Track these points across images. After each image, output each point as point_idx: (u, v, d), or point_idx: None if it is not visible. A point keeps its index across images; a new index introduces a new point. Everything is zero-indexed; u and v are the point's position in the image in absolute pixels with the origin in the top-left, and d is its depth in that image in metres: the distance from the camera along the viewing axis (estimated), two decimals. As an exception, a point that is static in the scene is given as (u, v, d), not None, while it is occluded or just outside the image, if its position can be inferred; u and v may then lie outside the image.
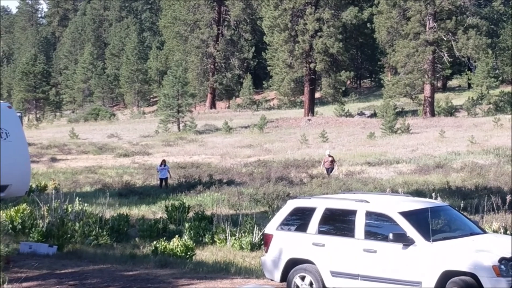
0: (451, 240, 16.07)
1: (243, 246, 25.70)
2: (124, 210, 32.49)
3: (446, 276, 15.32)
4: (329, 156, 48.49)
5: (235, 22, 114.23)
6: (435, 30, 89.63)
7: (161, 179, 44.85)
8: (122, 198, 39.64)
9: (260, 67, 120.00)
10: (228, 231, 26.85)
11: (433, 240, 15.81)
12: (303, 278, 16.87)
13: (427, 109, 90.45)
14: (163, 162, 46.22)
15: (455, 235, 16.44)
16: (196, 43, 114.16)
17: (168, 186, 44.31)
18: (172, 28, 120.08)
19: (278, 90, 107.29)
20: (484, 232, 17.51)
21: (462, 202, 30.68)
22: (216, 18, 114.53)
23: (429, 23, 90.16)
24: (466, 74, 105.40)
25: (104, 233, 26.83)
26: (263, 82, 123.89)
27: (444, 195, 32.91)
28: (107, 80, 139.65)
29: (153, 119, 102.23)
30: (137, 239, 27.50)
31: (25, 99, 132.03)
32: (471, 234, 16.58)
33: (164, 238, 25.56)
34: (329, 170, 47.36)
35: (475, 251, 15.44)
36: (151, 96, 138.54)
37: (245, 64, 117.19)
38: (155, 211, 34.72)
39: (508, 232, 23.29)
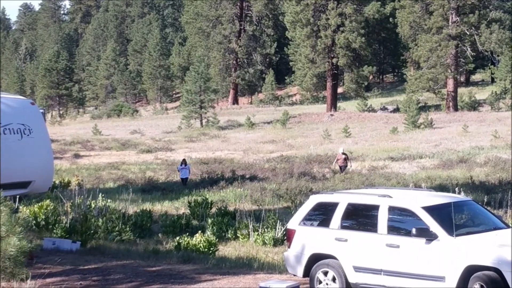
0: (475, 235, 16.05)
1: (266, 242, 25.71)
2: (147, 206, 32.63)
3: (470, 271, 15.31)
4: (343, 154, 48.29)
5: (257, 18, 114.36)
6: (458, 24, 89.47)
7: (182, 179, 44.79)
8: (145, 194, 39.74)
9: (283, 62, 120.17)
10: (251, 226, 26.85)
11: (457, 235, 15.80)
12: (326, 273, 16.90)
13: (450, 103, 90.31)
14: (184, 162, 46.17)
15: (479, 230, 16.42)
16: (218, 38, 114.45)
17: (186, 184, 44.09)
18: (194, 24, 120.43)
19: (300, 85, 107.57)
20: (508, 226, 17.44)
21: (486, 196, 30.66)
22: (238, 14, 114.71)
23: (452, 17, 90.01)
24: (489, 68, 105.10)
25: (127, 229, 26.94)
26: (286, 77, 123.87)
27: (467, 189, 32.83)
28: (129, 76, 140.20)
29: (176, 115, 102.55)
30: (160, 234, 27.55)
31: (48, 95, 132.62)
32: (495, 229, 16.55)
33: (187, 233, 25.61)
34: (343, 167, 47.12)
35: (499, 246, 15.41)
36: (174, 92, 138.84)
37: (267, 60, 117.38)
38: (178, 207, 34.77)
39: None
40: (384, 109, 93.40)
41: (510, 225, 18.84)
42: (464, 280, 15.36)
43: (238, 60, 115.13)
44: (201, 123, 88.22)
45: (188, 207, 32.00)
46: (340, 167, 47.06)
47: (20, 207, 24.60)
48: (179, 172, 45.55)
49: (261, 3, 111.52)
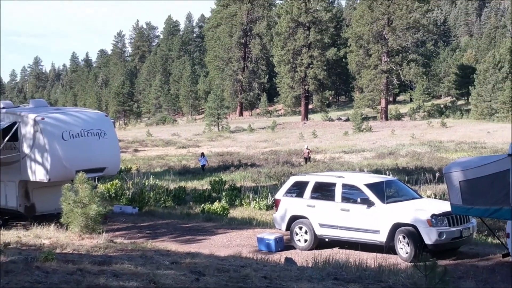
0: (399, 203, 16.13)
1: (261, 207, 25.71)
2: (182, 183, 32.60)
3: (396, 226, 15.40)
4: (307, 149, 48.09)
5: (255, 58, 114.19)
6: (388, 63, 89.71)
7: (201, 166, 44.52)
8: (181, 175, 39.70)
9: (272, 88, 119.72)
10: (251, 197, 26.87)
11: (387, 203, 15.87)
12: (300, 228, 16.98)
13: (383, 115, 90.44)
14: (202, 154, 46.08)
15: (402, 199, 16.49)
16: (229, 72, 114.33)
17: (204, 170, 43.76)
18: (213, 62, 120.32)
19: (284, 103, 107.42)
20: (421, 197, 17.55)
21: (406, 177, 30.73)
22: (243, 56, 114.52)
23: (384, 58, 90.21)
24: (409, 92, 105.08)
25: (169, 199, 26.95)
26: (274, 98, 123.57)
27: (394, 172, 32.85)
28: (171, 98, 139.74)
29: (201, 123, 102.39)
30: (191, 203, 27.55)
31: (117, 110, 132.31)
32: (413, 199, 16.64)
33: (209, 202, 25.65)
34: (307, 159, 46.81)
35: (415, 210, 15.49)
36: (200, 108, 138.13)
37: (262, 86, 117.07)
38: (203, 184, 34.75)
39: (437, 197, 23.19)
40: (339, 119, 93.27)
41: (423, 196, 18.89)
42: (392, 233, 15.45)
43: (243, 86, 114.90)
44: (218, 128, 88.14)
45: (209, 184, 32.01)
46: (305, 158, 46.79)
47: (98, 184, 24.63)
48: (199, 162, 45.39)
49: (258, 49, 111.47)
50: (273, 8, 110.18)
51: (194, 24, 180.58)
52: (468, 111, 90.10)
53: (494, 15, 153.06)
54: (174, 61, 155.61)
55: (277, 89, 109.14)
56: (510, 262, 13.74)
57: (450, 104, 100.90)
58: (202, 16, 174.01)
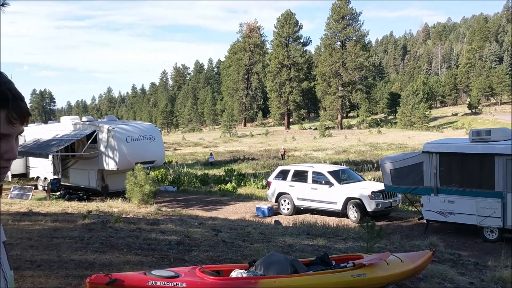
0: (350, 184, 16.12)
1: (258, 187, 25.68)
2: (205, 171, 32.56)
3: (348, 199, 15.37)
4: (283, 149, 47.61)
5: (254, 88, 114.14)
6: (342, 91, 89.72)
7: (210, 162, 43.50)
8: (205, 166, 39.59)
9: (266, 107, 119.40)
10: (252, 180, 26.83)
11: (342, 183, 15.85)
12: (285, 200, 16.94)
13: (339, 126, 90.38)
14: (211, 153, 45.57)
15: (352, 181, 16.48)
16: (237, 97, 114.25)
17: (212, 164, 41.75)
18: (226, 91, 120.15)
19: (273, 118, 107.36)
20: (364, 180, 17.54)
21: (355, 167, 30.65)
22: (246, 86, 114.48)
23: (339, 88, 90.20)
24: (356, 110, 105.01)
25: (197, 181, 26.90)
26: (267, 114, 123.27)
27: (346, 164, 32.82)
28: (198, 114, 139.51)
29: (219, 131, 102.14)
30: (211, 184, 27.52)
31: (162, 122, 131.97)
32: (359, 181, 16.62)
33: (224, 183, 25.61)
34: (283, 156, 46.03)
35: (360, 188, 15.48)
36: (218, 121, 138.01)
37: (259, 107, 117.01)
38: (219, 172, 34.69)
39: (375, 180, 23.18)
40: (310, 128, 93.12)
41: (366, 179, 18.90)
42: (345, 203, 15.42)
43: (246, 107, 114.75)
44: (230, 135, 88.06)
45: (224, 171, 31.97)
46: (282, 156, 46.20)
47: (150, 171, 24.62)
48: (209, 158, 44.59)
49: (256, 82, 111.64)
50: (266, 55, 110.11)
51: (213, 65, 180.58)
52: (395, 123, 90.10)
53: (413, 59, 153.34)
54: (200, 90, 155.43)
55: (269, 108, 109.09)
56: (423, 223, 13.77)
57: (383, 118, 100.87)
58: (219, 60, 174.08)
